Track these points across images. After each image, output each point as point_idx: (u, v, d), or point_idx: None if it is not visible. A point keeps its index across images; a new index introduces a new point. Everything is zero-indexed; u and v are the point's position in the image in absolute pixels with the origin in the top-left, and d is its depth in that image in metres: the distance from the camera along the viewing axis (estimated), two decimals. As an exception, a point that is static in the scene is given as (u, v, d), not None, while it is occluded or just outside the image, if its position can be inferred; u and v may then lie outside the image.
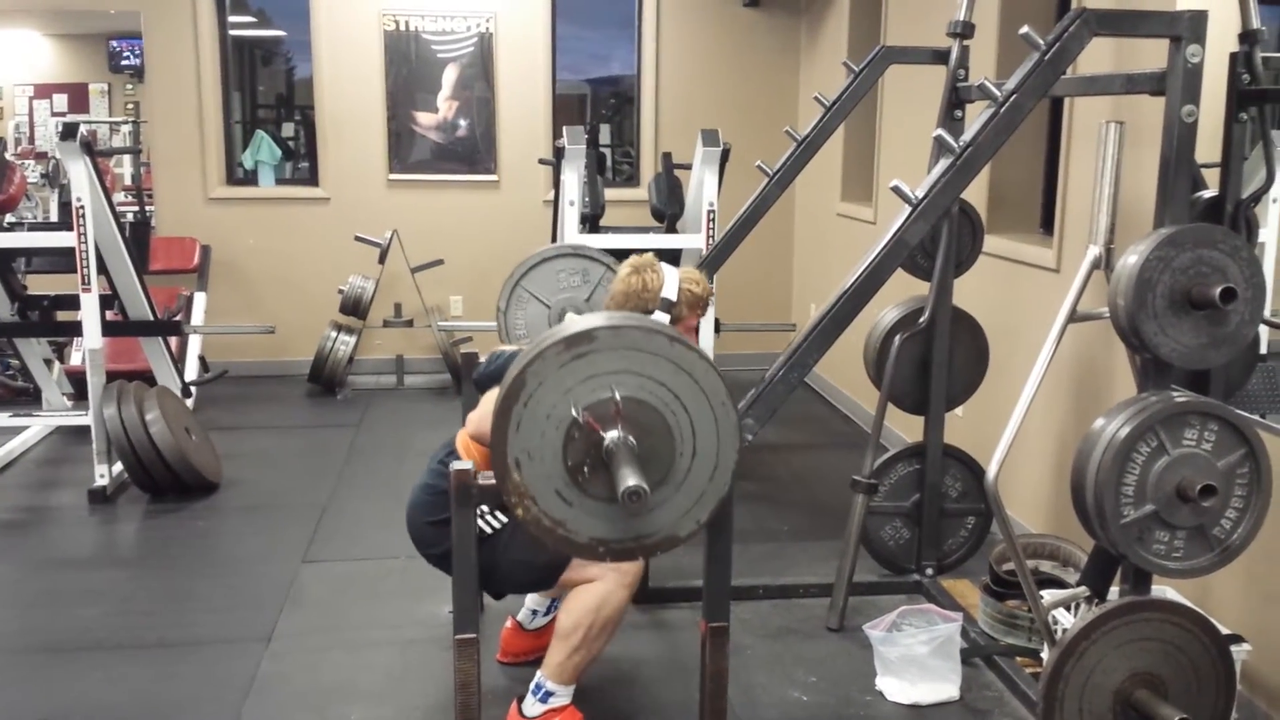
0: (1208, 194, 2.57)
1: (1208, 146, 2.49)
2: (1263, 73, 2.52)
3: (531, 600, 3.19)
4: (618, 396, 1.97)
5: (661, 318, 2.92)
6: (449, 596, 2.29)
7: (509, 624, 3.20)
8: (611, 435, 1.98)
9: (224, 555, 4.07)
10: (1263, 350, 2.93)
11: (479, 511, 2.60)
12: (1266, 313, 2.40)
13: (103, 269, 4.72)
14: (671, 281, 2.98)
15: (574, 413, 1.97)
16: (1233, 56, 2.52)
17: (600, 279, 3.68)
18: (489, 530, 2.68)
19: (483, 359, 3.15)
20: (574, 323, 2.02)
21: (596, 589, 2.69)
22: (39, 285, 5.38)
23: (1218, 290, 2.23)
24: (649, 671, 3.21)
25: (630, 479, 1.89)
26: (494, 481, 2.06)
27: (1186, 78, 2.35)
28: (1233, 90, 2.51)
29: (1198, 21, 2.34)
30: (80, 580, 3.86)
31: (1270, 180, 2.64)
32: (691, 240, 4.87)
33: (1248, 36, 2.56)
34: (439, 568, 2.80)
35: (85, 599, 3.68)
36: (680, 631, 3.42)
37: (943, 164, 2.38)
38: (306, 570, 3.90)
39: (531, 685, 2.75)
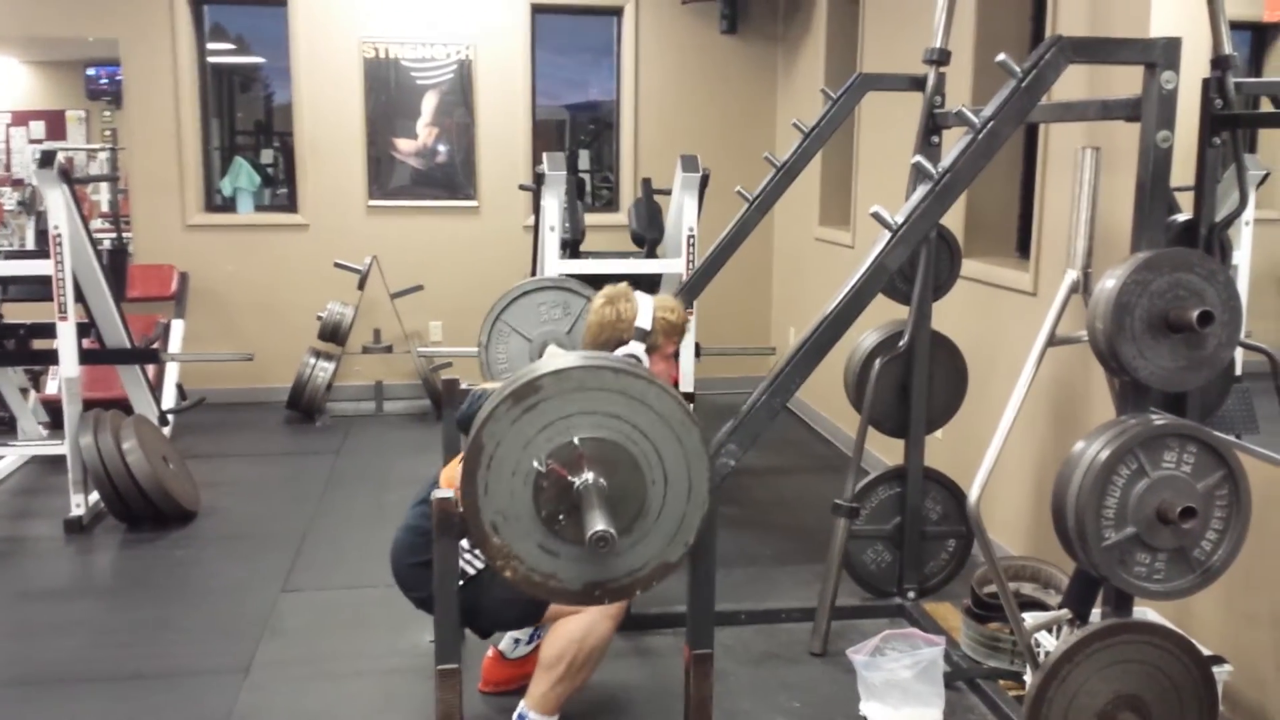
0: (1182, 218, 2.60)
1: (1181, 170, 2.52)
2: (1235, 98, 2.56)
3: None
4: (577, 441, 1.95)
5: (637, 347, 2.91)
6: (431, 626, 2.27)
7: (490, 653, 3.18)
8: (580, 479, 1.96)
9: (202, 585, 4.03)
10: (1238, 372, 2.96)
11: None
12: (1242, 335, 2.43)
13: (80, 297, 4.69)
14: (646, 310, 2.95)
15: (537, 465, 1.95)
16: (1205, 82, 2.55)
17: (581, 311, 3.67)
18: (471, 571, 2.66)
19: (465, 385, 3.16)
20: (520, 375, 1.99)
21: (581, 619, 2.68)
22: (15, 313, 5.34)
23: (1195, 313, 2.25)
24: (632, 699, 3.19)
25: (596, 523, 1.87)
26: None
27: (1161, 104, 2.38)
28: (1206, 115, 2.54)
29: (1172, 48, 2.37)
30: (56, 611, 3.81)
31: (1243, 203, 2.66)
32: (671, 265, 4.89)
33: (1220, 62, 2.59)
34: (424, 610, 2.78)
35: (61, 630, 3.63)
36: (663, 658, 3.40)
37: (921, 190, 2.39)
38: (286, 600, 3.86)
39: (514, 716, 2.73)
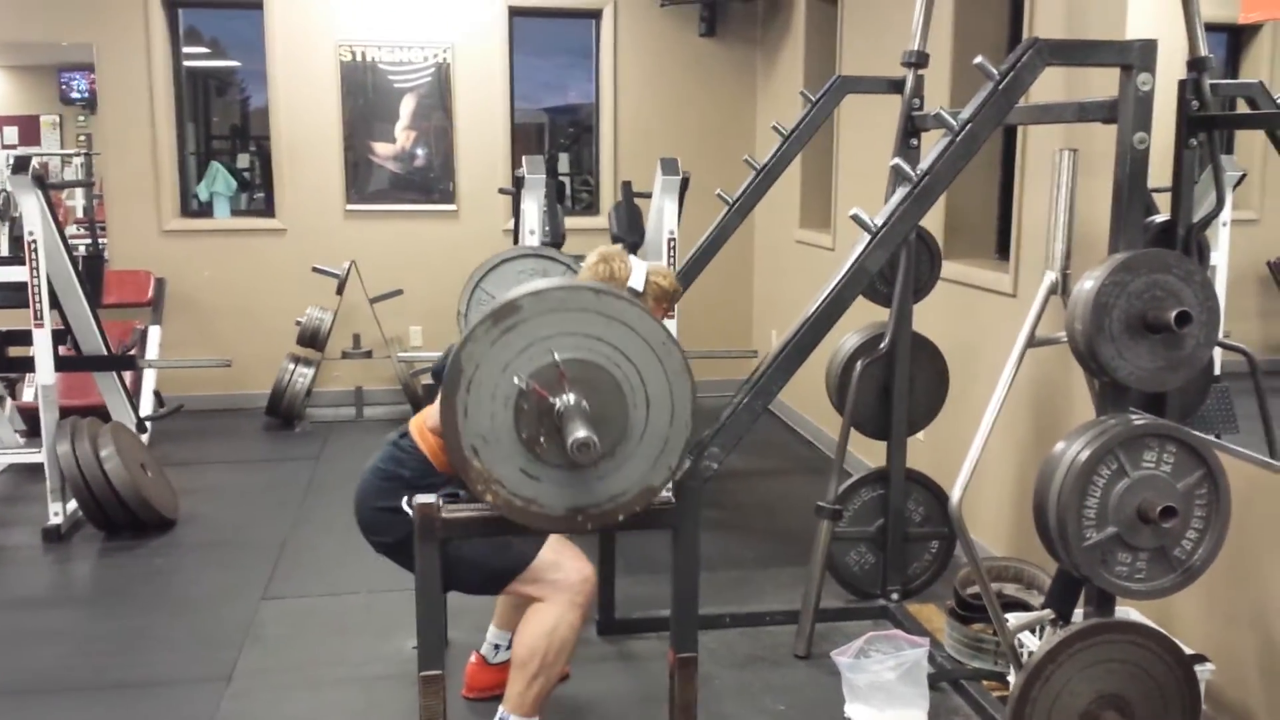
0: (1159, 219, 2.62)
1: (1158, 172, 2.53)
2: (1211, 99, 2.57)
3: (494, 635, 3.17)
4: (558, 359, 1.93)
5: None
6: (413, 632, 2.26)
7: (473, 659, 3.17)
8: (560, 399, 1.94)
9: (182, 593, 4.00)
10: (1217, 372, 2.98)
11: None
12: (1220, 335, 2.44)
13: (55, 303, 4.65)
14: (639, 273, 2.93)
15: (518, 383, 1.92)
16: (1182, 84, 2.57)
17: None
18: None
19: None
20: (499, 297, 1.96)
21: (548, 613, 2.66)
22: (-11, 320, 5.29)
23: (1173, 314, 2.26)
24: (617, 704, 3.19)
25: (578, 430, 1.85)
26: (460, 515, 2.04)
27: (1138, 106, 2.39)
28: (1182, 117, 2.55)
29: (1148, 50, 2.38)
30: (35, 621, 3.78)
31: (1220, 204, 2.68)
32: (652, 268, 4.88)
33: (1196, 64, 2.61)
34: (386, 555, 2.76)
35: (40, 640, 3.59)
36: (647, 662, 3.39)
37: (901, 192, 2.40)
38: (267, 607, 3.84)
39: (495, 720, 2.72)
